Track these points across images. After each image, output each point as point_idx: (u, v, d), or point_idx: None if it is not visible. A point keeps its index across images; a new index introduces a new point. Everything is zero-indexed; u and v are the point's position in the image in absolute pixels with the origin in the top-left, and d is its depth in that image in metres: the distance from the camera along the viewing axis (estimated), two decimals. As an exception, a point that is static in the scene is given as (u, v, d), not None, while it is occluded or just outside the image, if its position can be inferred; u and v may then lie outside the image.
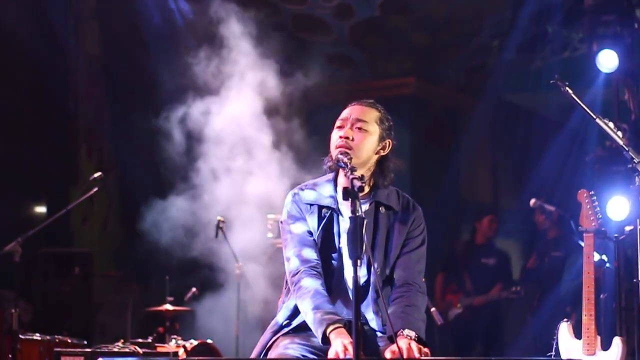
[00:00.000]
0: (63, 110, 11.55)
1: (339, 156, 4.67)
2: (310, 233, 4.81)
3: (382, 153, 4.88)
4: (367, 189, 4.84)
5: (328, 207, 4.81)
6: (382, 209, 4.82)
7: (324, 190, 4.86)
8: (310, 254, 4.76)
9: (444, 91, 13.46)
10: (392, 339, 4.52)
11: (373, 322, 4.78)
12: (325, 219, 4.80)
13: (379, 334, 4.77)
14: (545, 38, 12.56)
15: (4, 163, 10.72)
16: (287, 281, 4.89)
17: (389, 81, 12.61)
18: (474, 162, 13.67)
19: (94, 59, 11.46)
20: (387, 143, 4.89)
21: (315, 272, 4.72)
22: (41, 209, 12.26)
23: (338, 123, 4.84)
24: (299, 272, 4.73)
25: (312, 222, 4.82)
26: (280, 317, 4.86)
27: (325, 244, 4.81)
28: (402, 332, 4.56)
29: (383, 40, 12.46)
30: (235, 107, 9.21)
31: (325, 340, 4.50)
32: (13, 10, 10.45)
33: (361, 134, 4.79)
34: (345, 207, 4.79)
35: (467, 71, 13.39)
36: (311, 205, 4.83)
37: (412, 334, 4.57)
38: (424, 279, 4.93)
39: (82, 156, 12.20)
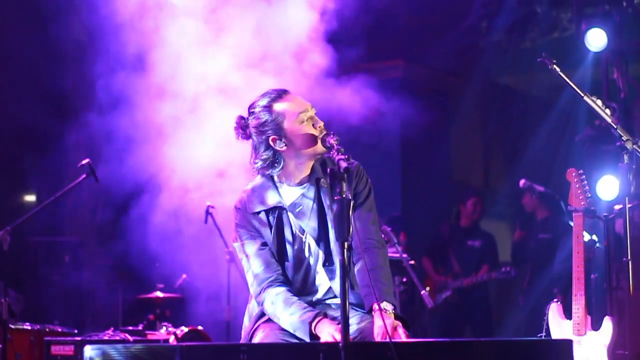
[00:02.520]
0: (52, 97, 11.48)
1: (326, 138, 4.63)
2: (265, 244, 4.77)
3: None
4: (309, 172, 4.80)
5: (274, 208, 4.77)
6: (323, 182, 4.77)
7: (264, 192, 4.81)
8: (269, 269, 4.74)
9: (433, 73, 13.42)
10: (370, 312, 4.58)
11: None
12: (275, 221, 4.76)
13: (353, 313, 4.72)
14: (534, 18, 12.53)
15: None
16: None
17: (378, 64, 12.55)
18: (464, 144, 13.66)
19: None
20: None
21: (278, 284, 4.72)
22: (31, 198, 12.22)
23: (301, 117, 4.69)
24: (261, 293, 4.72)
25: (265, 230, 4.78)
26: (255, 309, 4.87)
27: (282, 246, 4.78)
28: (379, 305, 4.51)
29: (370, 22, 12.40)
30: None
31: (314, 338, 4.50)
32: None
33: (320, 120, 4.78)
34: (288, 196, 4.78)
35: (456, 53, 13.35)
36: (258, 213, 4.78)
37: (389, 307, 4.57)
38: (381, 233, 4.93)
39: (69, 144, 12.14)
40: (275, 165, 4.75)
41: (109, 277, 11.44)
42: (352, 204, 4.49)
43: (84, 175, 8.30)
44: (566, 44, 11.29)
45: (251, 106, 4.81)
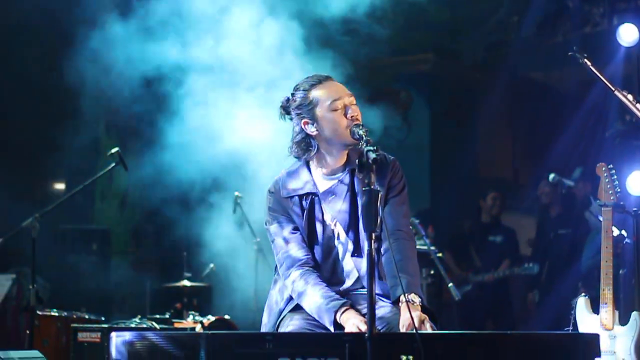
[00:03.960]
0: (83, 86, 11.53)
1: (355, 129, 4.63)
2: (296, 229, 4.80)
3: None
4: (343, 161, 4.82)
5: (307, 194, 4.80)
6: (358, 175, 4.78)
7: (300, 177, 4.84)
8: (299, 253, 4.76)
9: (463, 67, 13.38)
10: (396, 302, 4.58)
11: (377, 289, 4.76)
12: (307, 206, 4.78)
13: (382, 304, 4.74)
14: (565, 13, 12.46)
15: (23, 140, 10.73)
16: (276, 271, 4.91)
17: (407, 57, 12.55)
18: (492, 139, 13.62)
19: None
20: None
21: (307, 269, 4.73)
22: (60, 186, 12.28)
23: (334, 105, 4.72)
24: (290, 275, 4.74)
25: (296, 216, 4.80)
26: (279, 298, 4.88)
27: (313, 232, 4.80)
28: (406, 296, 4.52)
29: (401, 17, 12.39)
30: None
31: (338, 327, 4.50)
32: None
33: (358, 110, 4.79)
34: (322, 185, 4.81)
35: (486, 47, 13.30)
36: (291, 198, 4.81)
37: (417, 299, 4.57)
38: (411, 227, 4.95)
39: (101, 132, 12.20)
40: (310, 149, 4.80)
41: (137, 265, 11.50)
42: (385, 196, 4.57)
43: (113, 164, 8.33)
44: (598, 39, 11.22)
45: (294, 88, 4.89)
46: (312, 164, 4.86)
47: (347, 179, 4.80)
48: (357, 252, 4.76)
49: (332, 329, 4.53)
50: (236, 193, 9.62)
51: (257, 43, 8.92)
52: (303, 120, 4.78)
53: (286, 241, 4.79)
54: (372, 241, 3.95)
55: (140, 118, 10.04)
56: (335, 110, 4.73)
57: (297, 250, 4.76)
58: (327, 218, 4.80)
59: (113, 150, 8.33)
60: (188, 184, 9.72)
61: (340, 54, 8.99)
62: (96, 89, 10.14)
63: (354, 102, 4.78)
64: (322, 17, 8.89)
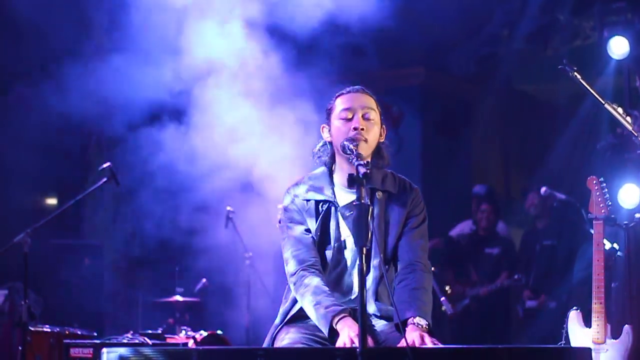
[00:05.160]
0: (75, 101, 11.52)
1: (345, 143, 4.66)
2: (308, 231, 4.82)
3: (381, 140, 4.90)
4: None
5: (325, 201, 4.81)
6: (378, 194, 4.81)
7: (319, 184, 4.87)
8: (308, 254, 4.78)
9: (454, 81, 13.40)
10: (399, 328, 4.48)
11: (375, 311, 4.77)
12: (323, 212, 4.80)
13: (381, 322, 4.74)
14: (556, 27, 12.48)
15: (15, 154, 10.71)
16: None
17: (398, 71, 12.55)
18: (484, 151, 13.62)
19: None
20: (384, 129, 4.95)
21: (313, 271, 4.74)
22: (52, 201, 12.26)
23: (343, 113, 4.80)
24: (296, 273, 4.75)
25: (310, 219, 4.82)
26: (284, 308, 4.87)
27: (323, 239, 4.81)
28: (412, 319, 4.53)
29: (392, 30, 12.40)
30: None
31: (333, 332, 4.49)
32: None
33: (371, 124, 4.81)
34: (342, 198, 4.82)
35: (477, 61, 13.31)
36: (308, 201, 4.83)
37: (423, 322, 4.56)
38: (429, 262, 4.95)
39: (93, 147, 12.18)
40: (326, 155, 4.91)
41: (129, 280, 11.47)
42: (404, 224, 4.73)
43: (104, 179, 8.33)
44: (588, 52, 11.25)
45: None
46: (334, 173, 4.90)
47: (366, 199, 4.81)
48: (366, 271, 4.75)
49: (326, 332, 4.54)
50: (228, 207, 9.62)
51: (243, 54, 8.94)
52: (322, 125, 4.92)
53: (297, 241, 4.81)
54: (363, 255, 3.96)
55: (131, 132, 10.04)
56: (343, 118, 4.79)
57: (306, 252, 4.78)
58: (341, 230, 4.80)
59: (105, 165, 8.32)
60: (180, 197, 9.73)
61: (331, 68, 9.02)
62: (86, 103, 10.15)
63: (369, 115, 4.81)
64: (313, 32, 8.91)
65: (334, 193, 4.83)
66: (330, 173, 4.91)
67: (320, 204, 4.82)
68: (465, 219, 11.63)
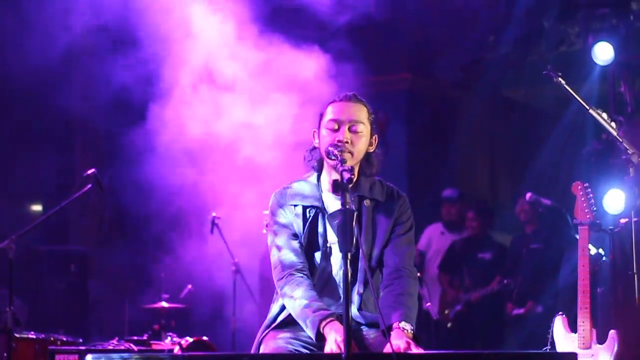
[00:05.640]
0: (59, 107, 11.49)
1: (330, 149, 4.67)
2: (296, 236, 4.82)
3: (370, 150, 4.91)
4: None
5: (312, 207, 4.80)
6: (366, 202, 4.81)
7: (308, 189, 4.87)
8: (296, 259, 4.78)
9: (440, 86, 13.41)
10: (384, 333, 4.47)
11: (358, 317, 4.76)
12: (311, 218, 4.79)
13: (365, 328, 4.74)
14: (541, 33, 12.52)
15: (0, 161, 10.69)
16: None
17: (385, 77, 12.56)
18: (470, 157, 13.64)
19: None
20: (375, 139, 4.95)
21: (301, 275, 4.74)
22: (37, 207, 12.23)
23: (330, 124, 4.80)
24: (284, 278, 4.75)
25: (297, 223, 4.82)
26: (272, 313, 4.85)
27: (311, 244, 4.81)
28: (397, 324, 4.53)
29: (378, 36, 12.42)
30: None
31: (320, 337, 4.48)
32: None
33: (357, 137, 4.81)
34: (330, 204, 4.82)
35: (463, 66, 13.34)
36: (295, 206, 4.83)
37: (408, 327, 4.56)
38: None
39: (78, 154, 12.16)
40: (314, 160, 4.92)
41: (115, 287, 11.44)
42: (390, 231, 4.74)
43: (89, 185, 8.30)
44: (573, 58, 11.28)
45: None
46: (322, 178, 4.91)
47: (354, 206, 4.79)
48: (352, 277, 4.74)
49: (313, 337, 4.53)
50: (213, 213, 9.60)
51: (234, 60, 8.92)
52: (314, 130, 4.94)
53: (284, 246, 4.81)
54: (348, 261, 3.96)
55: (116, 138, 10.02)
56: (329, 128, 4.80)
57: (293, 256, 4.78)
58: (329, 236, 4.81)
59: (89, 172, 8.30)
60: (165, 204, 9.71)
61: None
62: (71, 110, 10.13)
63: (356, 128, 4.81)
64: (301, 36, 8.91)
65: (321, 199, 4.82)
66: (319, 179, 4.91)
67: (308, 209, 4.82)
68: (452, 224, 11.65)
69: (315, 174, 4.93)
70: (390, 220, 4.84)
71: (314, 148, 4.94)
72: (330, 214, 4.79)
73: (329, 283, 4.82)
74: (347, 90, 5.02)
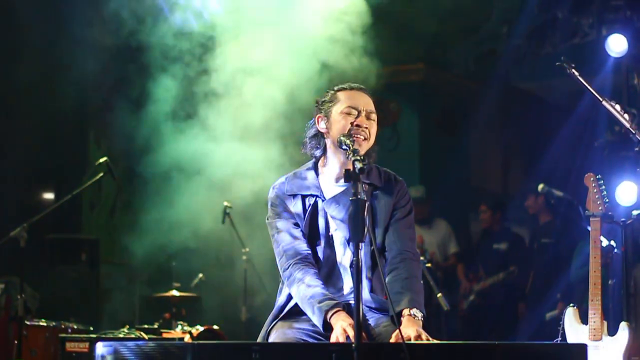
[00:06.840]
0: (72, 96, 11.50)
1: (342, 138, 4.65)
2: (297, 225, 4.81)
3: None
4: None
5: (311, 195, 4.80)
6: (364, 187, 4.79)
7: (306, 178, 4.86)
8: (299, 247, 4.76)
9: (453, 78, 13.40)
10: (394, 321, 4.47)
11: (369, 301, 4.76)
12: (310, 207, 4.79)
13: (376, 315, 4.74)
14: (554, 24, 12.48)
15: (13, 149, 10.69)
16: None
17: (398, 67, 12.54)
18: (483, 149, 13.63)
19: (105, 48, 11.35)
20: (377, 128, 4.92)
21: (306, 264, 4.73)
22: (49, 195, 12.24)
23: (347, 109, 4.79)
24: (289, 267, 4.73)
25: (298, 213, 4.81)
26: (279, 303, 4.86)
27: (313, 233, 4.80)
28: (408, 311, 4.52)
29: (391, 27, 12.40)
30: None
31: (327, 327, 4.48)
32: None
33: (373, 124, 4.82)
34: (329, 192, 4.82)
35: (476, 58, 13.32)
36: (294, 196, 4.82)
37: (419, 314, 4.56)
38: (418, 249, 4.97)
39: (90, 143, 12.17)
40: (318, 147, 4.86)
41: (126, 275, 11.46)
42: (390, 216, 4.73)
43: (101, 174, 8.33)
44: (587, 50, 11.24)
45: (329, 88, 5.00)
46: (320, 168, 4.89)
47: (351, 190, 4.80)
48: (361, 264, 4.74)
49: (320, 327, 4.52)
50: (225, 203, 9.60)
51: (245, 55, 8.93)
52: (318, 115, 4.87)
53: (287, 235, 4.78)
54: (359, 251, 3.95)
55: (129, 126, 10.04)
56: (347, 114, 4.78)
57: (298, 245, 4.77)
58: (329, 223, 4.80)
59: (101, 160, 8.33)
60: (176, 193, 9.72)
61: (329, 64, 9.00)
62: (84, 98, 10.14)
63: (372, 116, 4.82)
64: (311, 30, 8.91)
65: (320, 187, 4.82)
66: (316, 168, 4.90)
67: (307, 198, 4.82)
68: (463, 215, 11.66)
69: (313, 162, 4.92)
70: (390, 204, 4.83)
71: (317, 133, 4.91)
72: (329, 199, 4.78)
73: (333, 271, 4.81)
74: (358, 80, 5.03)
